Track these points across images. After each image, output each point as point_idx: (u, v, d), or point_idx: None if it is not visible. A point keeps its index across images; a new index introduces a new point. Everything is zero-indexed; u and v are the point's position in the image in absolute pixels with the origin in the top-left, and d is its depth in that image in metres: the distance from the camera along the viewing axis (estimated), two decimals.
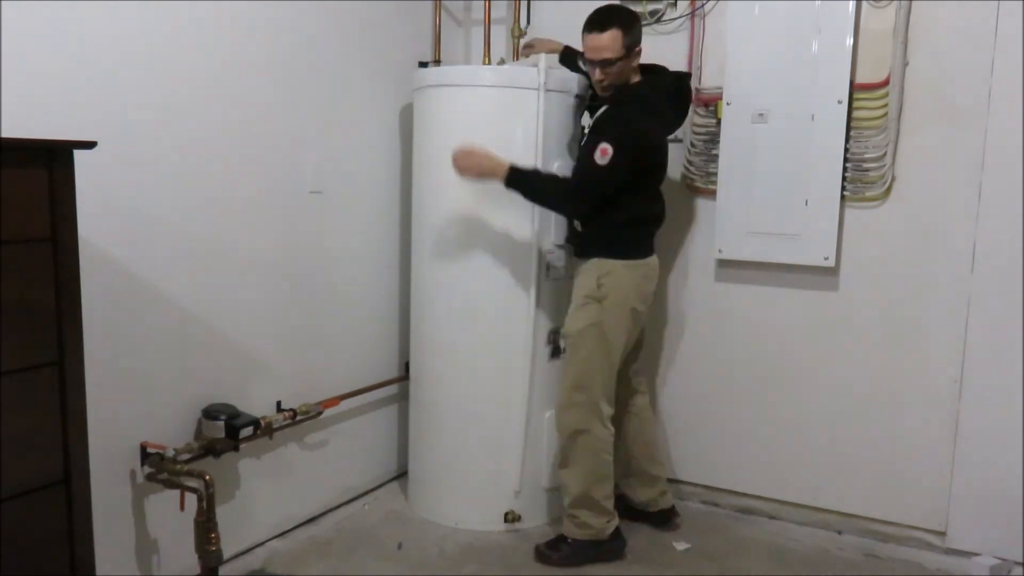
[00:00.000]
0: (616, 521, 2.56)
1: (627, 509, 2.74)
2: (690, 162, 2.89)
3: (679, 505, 2.83)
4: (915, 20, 2.52)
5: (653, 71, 2.53)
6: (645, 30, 2.91)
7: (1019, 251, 2.42)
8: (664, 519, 2.76)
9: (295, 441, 2.66)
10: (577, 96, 2.67)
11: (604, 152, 2.34)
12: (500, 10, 3.07)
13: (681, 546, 2.64)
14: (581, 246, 2.56)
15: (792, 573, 2.50)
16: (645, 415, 2.77)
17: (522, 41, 2.94)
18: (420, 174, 2.76)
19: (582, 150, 2.51)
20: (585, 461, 2.48)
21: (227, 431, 2.23)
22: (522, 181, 2.43)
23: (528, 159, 2.55)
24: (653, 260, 2.60)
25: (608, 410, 2.51)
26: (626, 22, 2.37)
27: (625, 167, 2.37)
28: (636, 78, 2.47)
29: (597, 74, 2.42)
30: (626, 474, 2.74)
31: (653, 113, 2.46)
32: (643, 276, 2.54)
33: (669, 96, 2.52)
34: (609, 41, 2.34)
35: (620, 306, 2.47)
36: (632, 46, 2.38)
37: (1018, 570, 2.47)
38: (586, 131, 2.59)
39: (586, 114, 2.70)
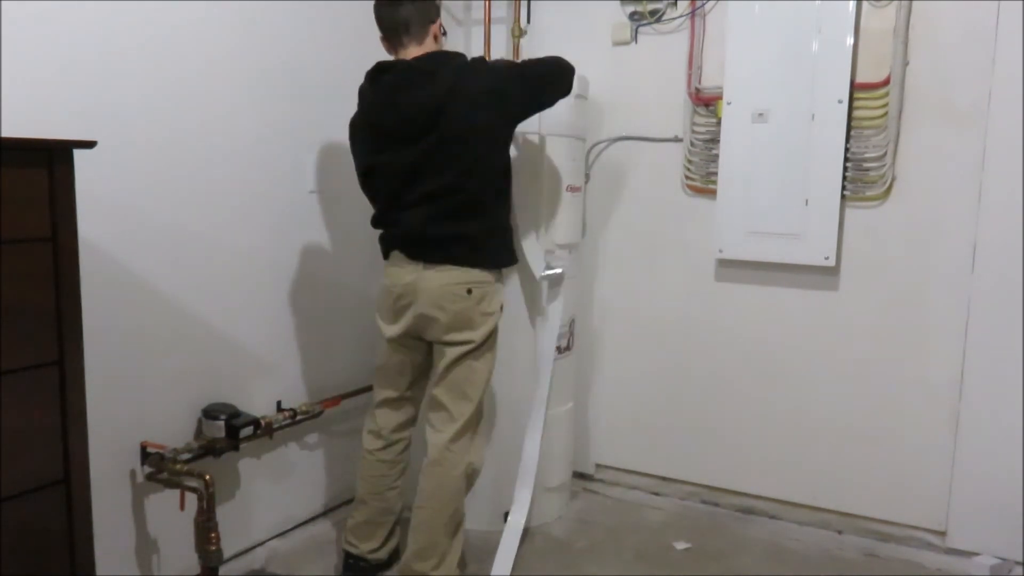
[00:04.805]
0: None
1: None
2: (690, 162, 2.89)
3: (679, 505, 2.74)
4: (915, 20, 2.52)
5: None
6: (646, 30, 2.94)
7: (1019, 251, 2.42)
8: None
9: (295, 441, 2.66)
10: (578, 96, 2.67)
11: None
12: (500, 10, 3.07)
13: (681, 546, 2.64)
14: None
15: (792, 573, 2.50)
16: None
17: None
18: None
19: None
20: None
21: (227, 431, 2.23)
22: None
23: None
24: (391, 269, 2.23)
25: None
26: None
27: None
28: None
29: None
30: None
31: None
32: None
33: None
34: None
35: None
36: None
37: (1018, 570, 2.47)
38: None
39: None
